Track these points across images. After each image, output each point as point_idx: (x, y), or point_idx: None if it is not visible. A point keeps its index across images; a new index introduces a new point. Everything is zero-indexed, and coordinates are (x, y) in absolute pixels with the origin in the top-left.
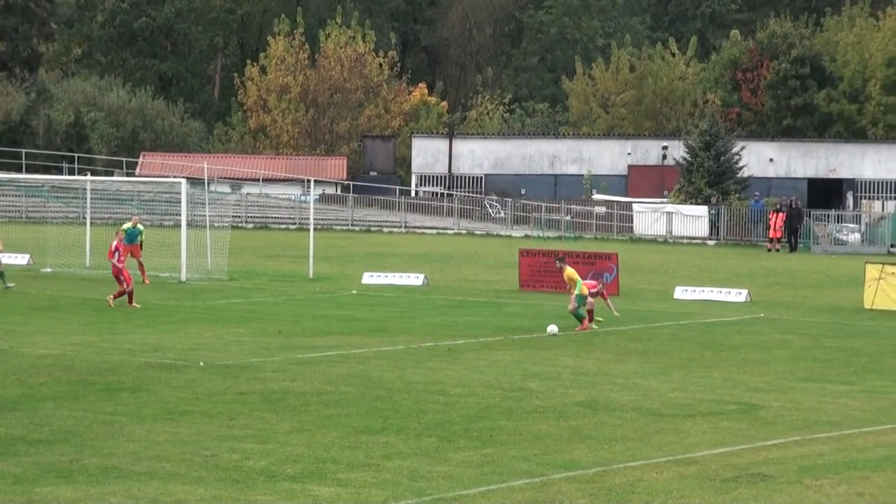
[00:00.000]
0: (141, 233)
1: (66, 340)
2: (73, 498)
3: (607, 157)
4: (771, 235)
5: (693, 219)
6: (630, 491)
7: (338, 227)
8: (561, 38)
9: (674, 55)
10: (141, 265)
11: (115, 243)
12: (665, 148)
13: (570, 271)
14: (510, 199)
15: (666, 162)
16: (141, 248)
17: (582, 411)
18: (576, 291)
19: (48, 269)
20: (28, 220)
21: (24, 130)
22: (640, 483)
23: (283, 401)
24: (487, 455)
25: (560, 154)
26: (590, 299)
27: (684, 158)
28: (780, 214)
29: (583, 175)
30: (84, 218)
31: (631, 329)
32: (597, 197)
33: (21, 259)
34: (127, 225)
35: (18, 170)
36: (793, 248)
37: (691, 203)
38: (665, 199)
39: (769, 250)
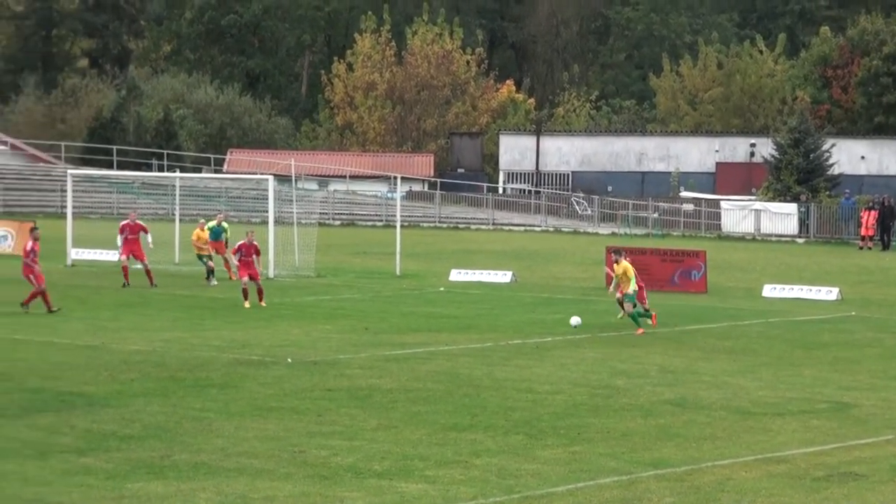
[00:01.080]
0: (225, 230)
1: (156, 337)
2: (164, 494)
3: (695, 154)
4: (863, 233)
5: (782, 216)
6: (719, 490)
7: (425, 225)
8: (648, 34)
9: (762, 52)
10: (226, 261)
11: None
12: (753, 145)
13: (625, 265)
14: (597, 197)
15: (754, 159)
16: (227, 245)
17: (670, 409)
18: (630, 289)
19: (138, 266)
20: (119, 217)
21: (115, 127)
22: (729, 482)
23: (371, 398)
24: (575, 453)
25: (647, 151)
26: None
27: (773, 156)
28: (873, 212)
29: (670, 172)
30: (173, 214)
31: (719, 327)
32: (684, 194)
33: (113, 255)
34: (212, 223)
35: (109, 166)
36: (885, 247)
37: (780, 200)
38: (753, 197)
39: (861, 248)
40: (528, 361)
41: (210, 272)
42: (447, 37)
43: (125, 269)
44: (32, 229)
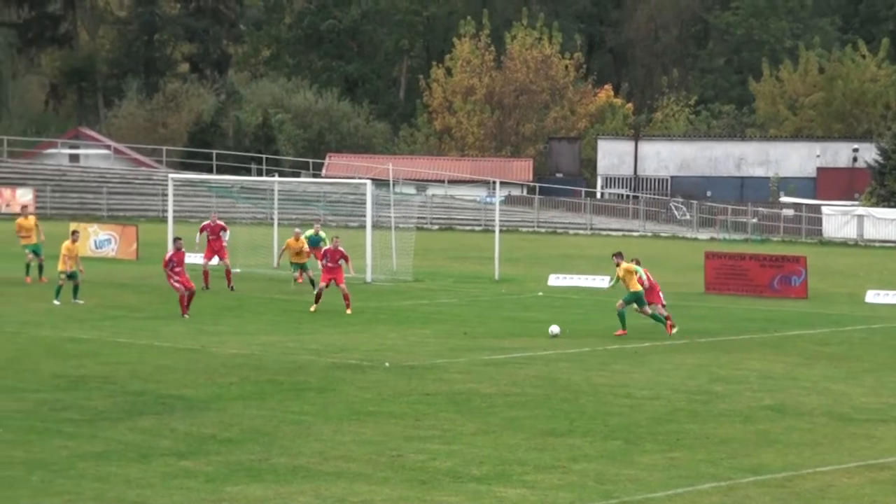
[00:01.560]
0: (322, 240)
1: (255, 340)
2: (262, 497)
3: (795, 159)
4: None
5: (886, 222)
6: (820, 496)
7: (523, 229)
8: (748, 39)
9: (864, 57)
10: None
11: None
12: (856, 150)
13: (626, 266)
14: (695, 202)
15: (857, 164)
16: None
17: (770, 415)
18: (631, 288)
19: (237, 270)
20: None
21: (215, 131)
22: (831, 488)
23: (469, 402)
24: (674, 458)
25: (746, 156)
26: (647, 308)
27: (876, 161)
28: None
29: (769, 177)
30: (271, 219)
31: (820, 333)
32: (784, 199)
33: (214, 259)
34: (309, 231)
35: (209, 170)
36: None
37: (884, 206)
38: (856, 202)
39: None
40: (626, 367)
41: (310, 281)
42: (546, 41)
43: (206, 273)
44: (176, 239)
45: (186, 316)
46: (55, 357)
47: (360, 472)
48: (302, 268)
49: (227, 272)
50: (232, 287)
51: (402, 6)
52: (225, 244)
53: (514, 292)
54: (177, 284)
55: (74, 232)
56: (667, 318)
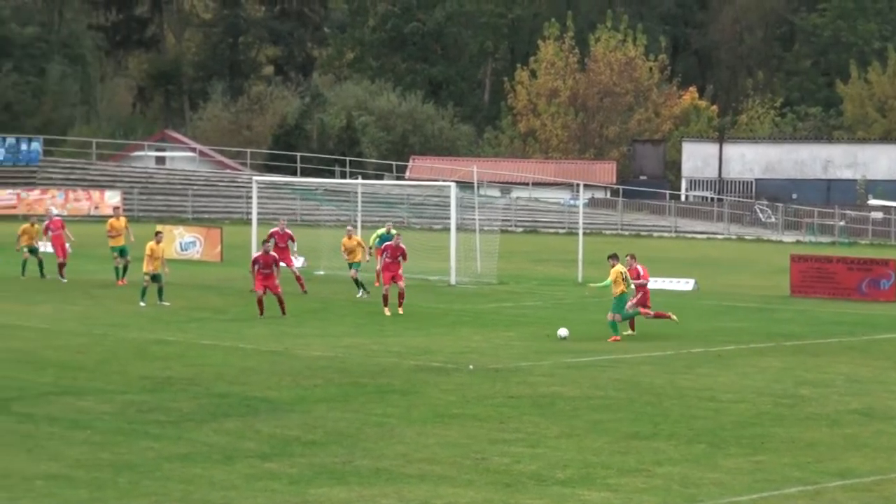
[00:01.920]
0: (394, 235)
1: (338, 343)
2: (346, 499)
3: (884, 161)
4: None
5: None
6: None
7: (607, 232)
8: (835, 41)
9: None
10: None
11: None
12: None
13: (617, 269)
14: (781, 204)
15: None
16: None
17: (857, 419)
18: (617, 290)
19: (320, 272)
20: (302, 223)
21: (299, 134)
22: None
23: (553, 405)
24: (759, 462)
25: (834, 158)
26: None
27: None
28: None
29: (857, 180)
30: (355, 221)
31: None
32: (873, 202)
33: (297, 262)
34: (381, 230)
35: (293, 173)
36: None
37: None
38: None
39: None
40: (711, 370)
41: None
42: (630, 43)
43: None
44: (265, 241)
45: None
46: (142, 359)
47: (443, 474)
48: (353, 266)
49: (297, 278)
50: (305, 290)
51: (487, 8)
52: (293, 253)
53: (598, 295)
54: (257, 286)
55: (158, 233)
56: (658, 314)
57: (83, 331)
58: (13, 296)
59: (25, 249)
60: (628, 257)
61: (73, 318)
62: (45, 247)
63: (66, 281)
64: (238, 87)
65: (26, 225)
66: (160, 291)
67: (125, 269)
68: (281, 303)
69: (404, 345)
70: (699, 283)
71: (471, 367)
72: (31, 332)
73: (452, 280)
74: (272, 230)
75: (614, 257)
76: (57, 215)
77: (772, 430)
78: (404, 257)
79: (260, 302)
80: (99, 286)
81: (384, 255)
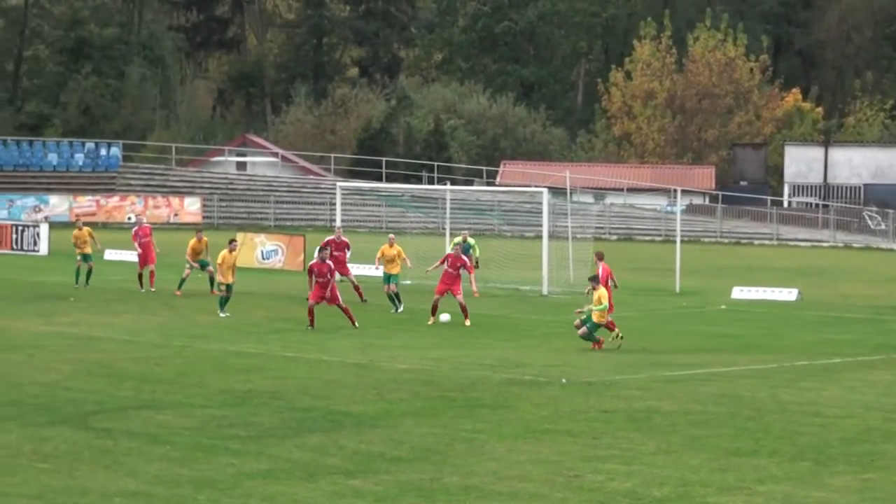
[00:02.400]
0: (472, 247)
1: (426, 355)
2: None
3: None
4: None
5: None
6: None
7: (705, 240)
8: None
9: None
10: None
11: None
12: None
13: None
14: (892, 211)
15: None
16: (476, 264)
17: None
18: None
19: (407, 282)
20: (388, 231)
21: (385, 138)
22: None
23: (649, 420)
24: (868, 480)
25: None
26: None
27: None
28: None
29: None
30: (443, 229)
31: None
32: None
33: (380, 271)
34: (457, 239)
35: (379, 179)
36: None
37: None
38: None
39: None
40: (815, 384)
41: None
42: (730, 43)
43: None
44: (320, 249)
45: (311, 328)
46: (222, 372)
47: (535, 492)
48: (392, 280)
49: (356, 287)
50: (364, 300)
51: (581, 7)
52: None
53: (696, 305)
54: (312, 295)
55: (232, 241)
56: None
57: (162, 342)
58: (93, 306)
59: (79, 257)
60: (596, 256)
61: (152, 329)
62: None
63: (154, 290)
64: (322, 90)
65: (75, 231)
66: (223, 301)
67: (212, 280)
68: (348, 315)
69: (495, 357)
70: (803, 293)
71: (564, 380)
72: (111, 344)
73: (545, 290)
74: (328, 238)
75: (599, 255)
76: (147, 223)
77: (882, 446)
78: (467, 269)
79: (311, 312)
80: (178, 296)
81: (445, 264)
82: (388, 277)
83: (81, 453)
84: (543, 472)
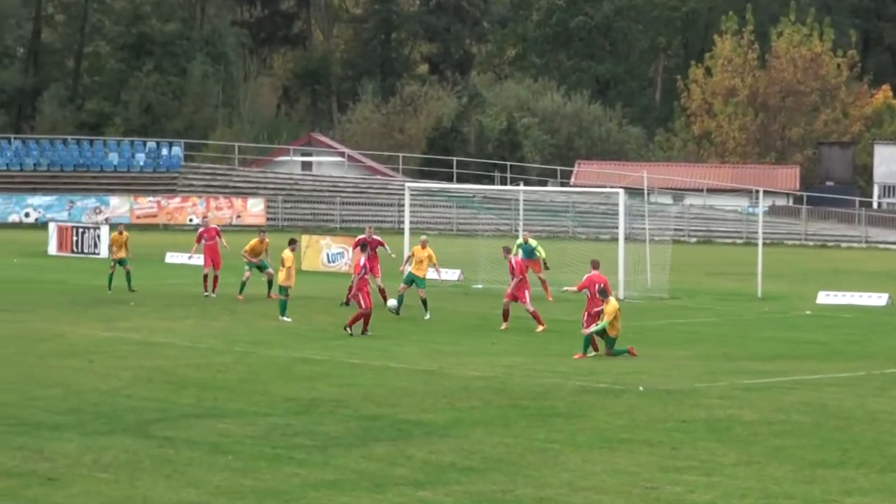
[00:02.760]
0: (536, 247)
1: (498, 362)
2: None
3: None
4: None
5: None
6: None
7: (789, 242)
8: None
9: None
10: (543, 281)
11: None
12: None
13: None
14: None
15: None
16: (544, 265)
17: None
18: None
19: (479, 286)
20: (459, 233)
21: (455, 137)
22: None
23: (730, 430)
24: None
25: None
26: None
27: None
28: None
29: None
30: (516, 231)
31: None
32: None
33: (451, 275)
34: (519, 240)
35: (449, 179)
36: None
37: None
38: None
39: None
40: None
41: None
42: (816, 38)
43: (382, 290)
44: (363, 246)
45: (357, 332)
46: (286, 379)
47: None
48: (420, 284)
49: (381, 290)
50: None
51: (659, 1)
52: (391, 254)
53: (779, 311)
54: (363, 298)
55: (292, 240)
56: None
57: (224, 348)
58: (154, 310)
59: (113, 262)
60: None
61: (214, 335)
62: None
63: (213, 296)
64: (390, 87)
65: (114, 234)
66: (284, 306)
67: (270, 283)
68: (361, 318)
69: (569, 364)
70: (893, 297)
71: (640, 388)
72: (172, 350)
73: (621, 294)
74: (359, 237)
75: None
76: (213, 224)
77: None
78: (512, 272)
79: (361, 317)
80: (240, 301)
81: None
82: (411, 280)
83: (142, 463)
84: (619, 484)
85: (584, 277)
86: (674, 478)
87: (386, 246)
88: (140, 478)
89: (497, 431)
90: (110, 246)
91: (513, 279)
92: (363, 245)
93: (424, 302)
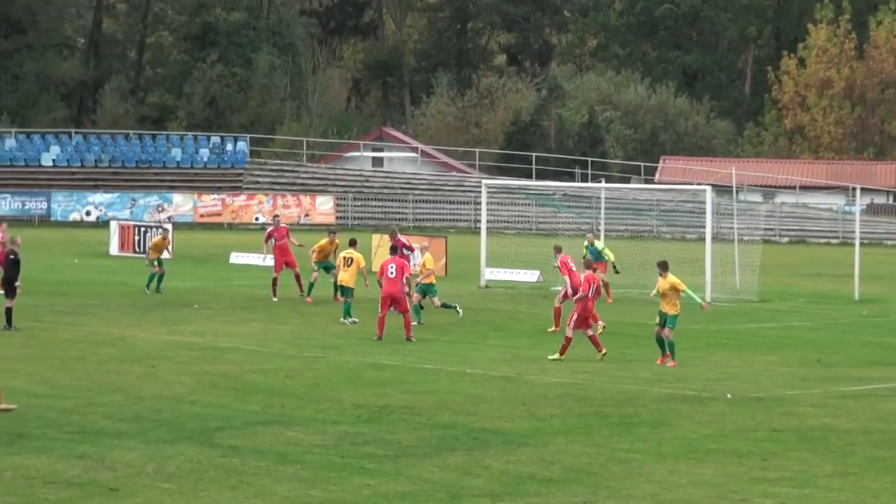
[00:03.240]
0: (602, 250)
1: (579, 368)
2: None
3: None
4: None
5: None
6: None
7: (888, 242)
8: None
9: None
10: (606, 284)
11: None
12: None
13: (672, 279)
14: None
15: None
16: (614, 269)
17: None
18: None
19: (559, 288)
20: (538, 232)
21: (535, 132)
22: None
23: (824, 440)
24: None
25: None
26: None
27: None
28: None
29: None
30: (598, 230)
31: None
32: None
33: (530, 276)
34: (584, 242)
35: (527, 175)
36: None
37: None
38: None
39: None
40: None
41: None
42: None
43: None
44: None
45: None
46: (356, 385)
47: None
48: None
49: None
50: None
51: None
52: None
53: (878, 314)
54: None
55: (353, 241)
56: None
57: (293, 353)
58: (218, 314)
59: (155, 262)
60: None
61: (282, 339)
62: (237, 258)
63: (277, 300)
64: (466, 79)
65: (157, 238)
66: (348, 309)
67: (335, 285)
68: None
69: (653, 370)
70: None
71: (729, 395)
72: (237, 354)
73: (708, 297)
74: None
75: (663, 266)
76: (283, 224)
77: None
78: (598, 293)
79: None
80: (308, 303)
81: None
82: (424, 290)
83: (206, 472)
84: (707, 496)
85: (582, 278)
86: (765, 490)
87: (415, 251)
88: (204, 488)
89: (578, 440)
90: (150, 249)
91: (569, 284)
92: (393, 248)
93: (445, 306)
